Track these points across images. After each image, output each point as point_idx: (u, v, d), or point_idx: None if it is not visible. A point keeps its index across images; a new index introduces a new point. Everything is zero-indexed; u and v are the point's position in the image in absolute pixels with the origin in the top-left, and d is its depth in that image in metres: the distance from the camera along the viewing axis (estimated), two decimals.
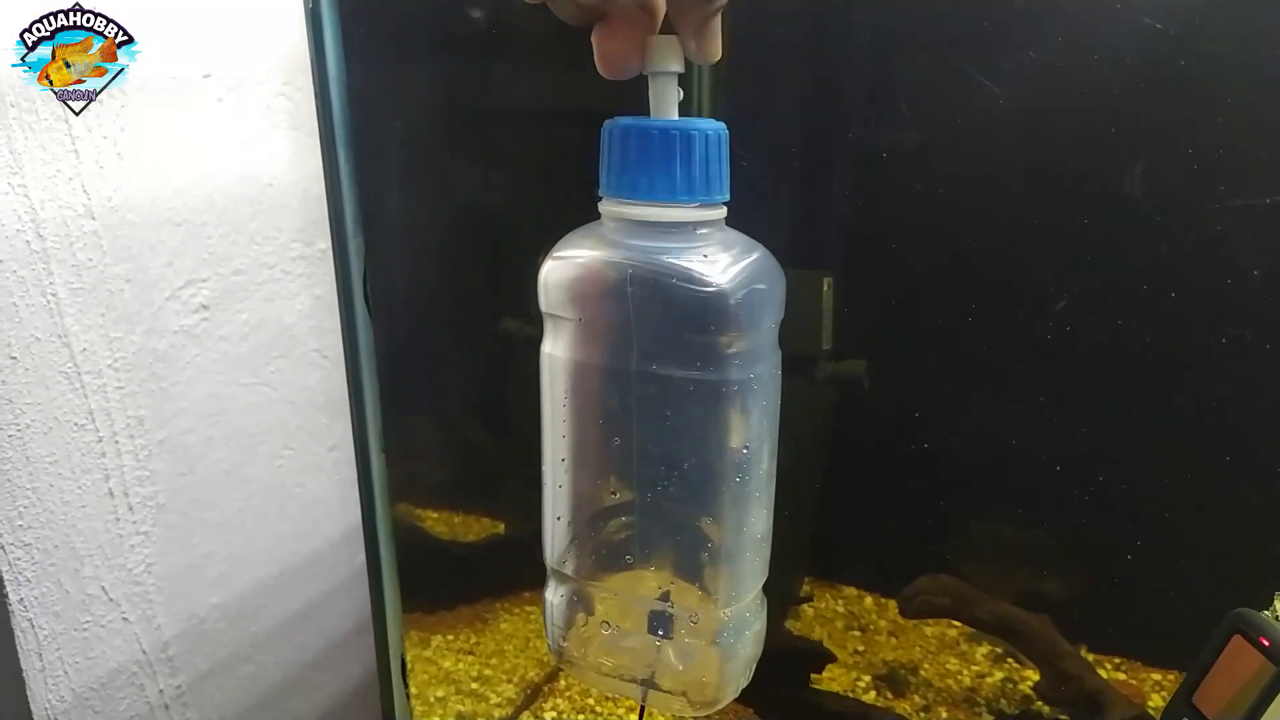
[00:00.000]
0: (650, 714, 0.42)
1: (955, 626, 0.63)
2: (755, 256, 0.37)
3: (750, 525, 0.39)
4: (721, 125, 0.37)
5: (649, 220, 0.36)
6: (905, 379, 0.63)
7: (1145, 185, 0.50)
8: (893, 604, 0.64)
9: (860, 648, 0.63)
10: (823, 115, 0.59)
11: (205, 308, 0.65)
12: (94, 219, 0.58)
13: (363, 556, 0.77)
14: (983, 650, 0.62)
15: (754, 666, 0.41)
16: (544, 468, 0.41)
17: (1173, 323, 0.53)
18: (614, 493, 0.39)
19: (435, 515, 0.69)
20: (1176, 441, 0.55)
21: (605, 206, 0.38)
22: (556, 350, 0.39)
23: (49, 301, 0.57)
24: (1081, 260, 0.54)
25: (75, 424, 0.59)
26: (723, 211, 0.38)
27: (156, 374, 0.63)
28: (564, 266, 0.38)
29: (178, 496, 0.65)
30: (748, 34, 0.43)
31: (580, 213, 0.41)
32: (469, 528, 0.69)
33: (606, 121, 0.37)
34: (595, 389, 0.38)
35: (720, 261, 0.36)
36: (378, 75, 0.55)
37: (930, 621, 0.63)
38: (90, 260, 0.58)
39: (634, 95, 0.41)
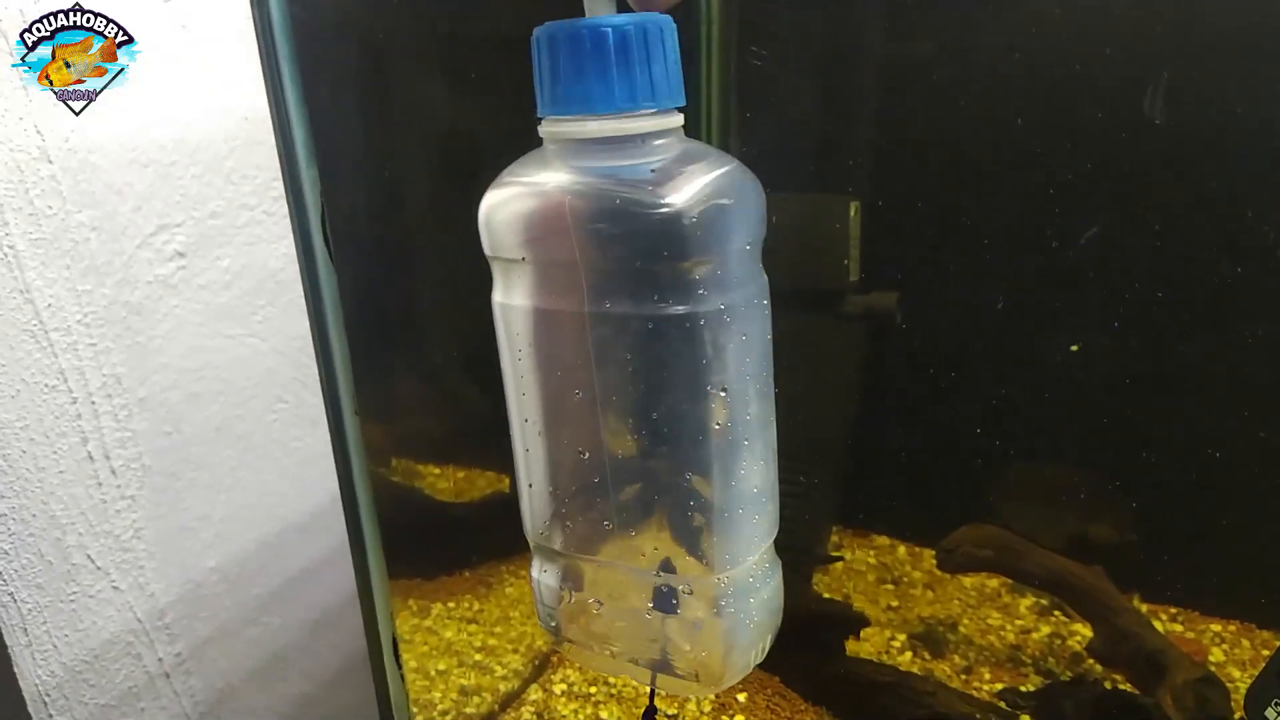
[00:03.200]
0: (658, 693, 0.38)
1: (995, 577, 0.58)
2: (722, 170, 0.32)
3: (741, 478, 0.34)
4: (667, 19, 0.31)
5: (592, 138, 0.31)
6: (940, 312, 0.57)
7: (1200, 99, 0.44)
8: (927, 554, 0.60)
9: (894, 603, 0.59)
10: (847, 16, 0.53)
11: (181, 255, 0.61)
12: (50, 162, 0.53)
13: None
14: (1026, 603, 0.57)
15: (770, 637, 0.37)
16: (511, 432, 0.36)
17: (1235, 246, 0.47)
18: (583, 453, 0.34)
19: (431, 472, 0.64)
20: (1236, 373, 0.50)
21: (545, 128, 0.32)
22: (508, 298, 0.34)
23: (5, 255, 0.52)
24: (1136, 178, 0.48)
25: (46, 385, 0.55)
26: (678, 120, 0.33)
27: (132, 328, 0.59)
28: (502, 199, 0.33)
29: (164, 457, 0.62)
30: None
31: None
32: (468, 485, 0.65)
33: (536, 28, 0.32)
34: (550, 338, 0.33)
35: (675, 177, 0.31)
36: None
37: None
38: (50, 208, 0.54)
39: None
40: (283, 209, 0.66)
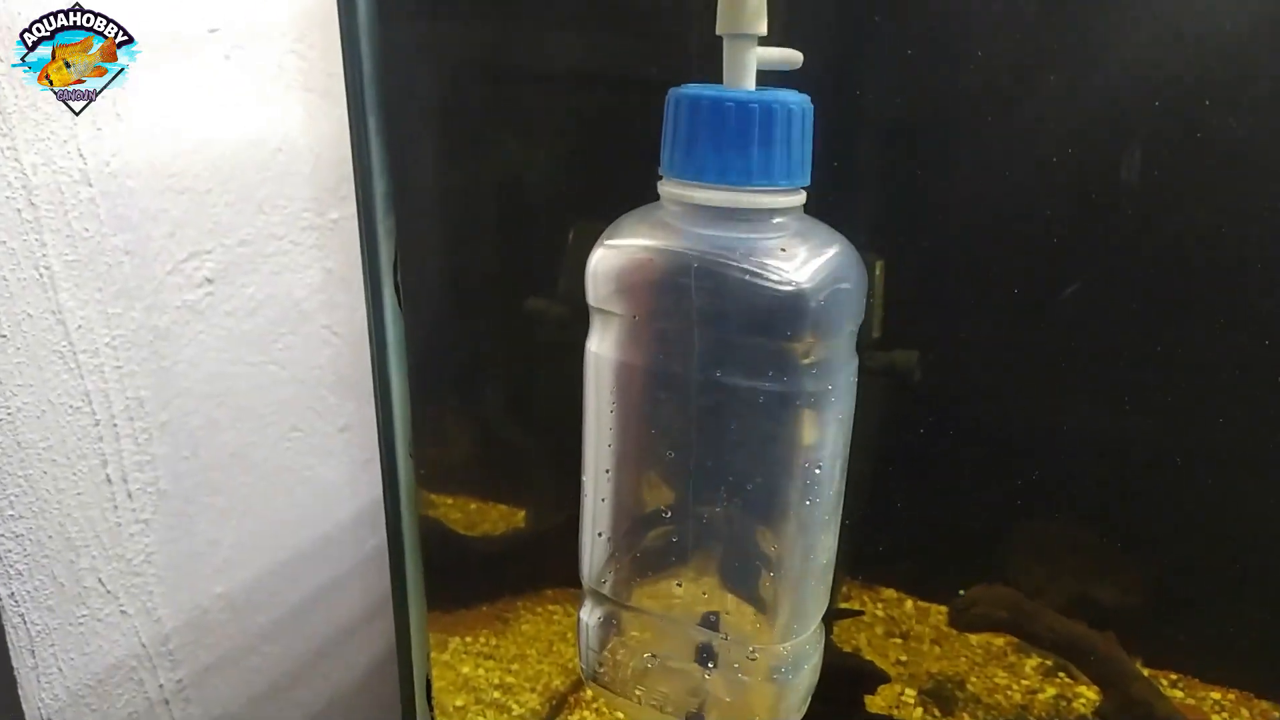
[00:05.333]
0: None
1: (1001, 635, 0.59)
2: (837, 249, 0.33)
3: (818, 553, 0.35)
4: (805, 99, 0.33)
5: (718, 206, 0.32)
6: (957, 370, 0.59)
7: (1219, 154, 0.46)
8: (935, 609, 0.61)
9: (903, 657, 0.59)
10: (867, 84, 0.55)
11: (210, 281, 0.61)
12: (91, 185, 0.54)
13: (373, 541, 0.74)
14: (1032, 663, 0.58)
15: (809, 699, 0.38)
16: (584, 477, 0.37)
17: (1254, 313, 0.48)
18: (665, 512, 0.35)
19: (456, 506, 0.65)
20: (1245, 442, 0.51)
21: (667, 188, 0.33)
22: (604, 349, 0.35)
23: (42, 275, 0.52)
24: (1151, 244, 0.49)
25: (71, 406, 0.55)
26: (802, 198, 0.34)
27: (158, 352, 0.59)
28: (617, 255, 0.34)
29: (180, 482, 0.61)
30: None
31: (630, 192, 0.37)
32: (486, 518, 0.65)
33: (673, 90, 0.33)
34: (648, 395, 0.34)
35: (799, 256, 0.32)
36: (409, 33, 0.50)
37: None
38: (87, 230, 0.54)
39: (698, 61, 0.37)
40: (310, 239, 0.67)
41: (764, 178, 0.31)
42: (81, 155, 0.53)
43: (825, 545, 0.35)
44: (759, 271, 0.31)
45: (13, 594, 0.54)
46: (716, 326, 0.31)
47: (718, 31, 0.32)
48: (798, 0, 0.48)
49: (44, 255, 0.52)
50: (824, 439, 0.32)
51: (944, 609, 0.60)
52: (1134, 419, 0.53)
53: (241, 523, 0.66)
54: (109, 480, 0.57)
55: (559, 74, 0.53)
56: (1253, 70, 0.44)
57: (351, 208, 0.59)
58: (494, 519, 0.65)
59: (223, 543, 0.65)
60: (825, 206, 0.36)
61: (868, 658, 0.59)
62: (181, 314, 0.60)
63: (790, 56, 0.33)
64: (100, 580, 0.58)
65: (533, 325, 0.59)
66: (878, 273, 0.60)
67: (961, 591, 0.59)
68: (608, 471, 0.35)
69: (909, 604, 0.62)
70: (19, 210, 0.51)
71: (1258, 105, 0.44)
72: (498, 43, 0.53)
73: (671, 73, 0.38)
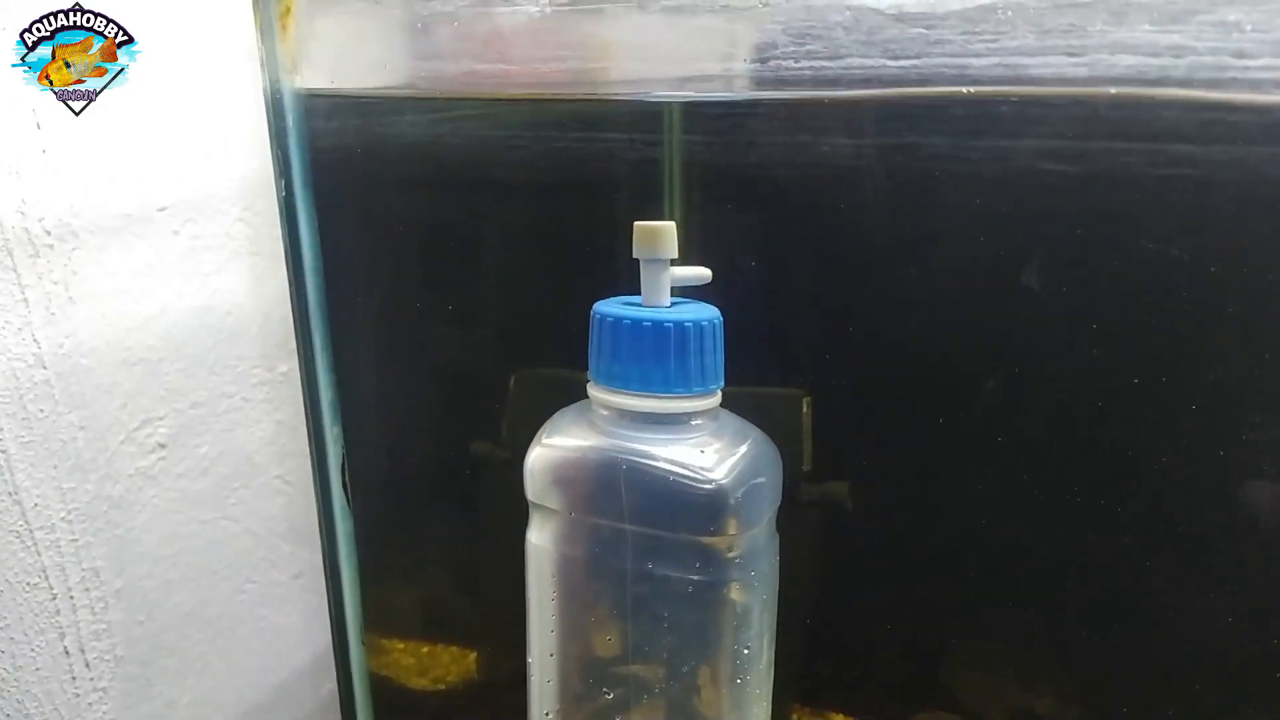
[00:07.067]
0: None
1: None
2: (750, 443, 0.36)
3: (751, 718, 0.37)
4: (715, 313, 0.36)
5: (642, 411, 0.35)
6: (889, 498, 0.61)
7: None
8: None
9: None
10: (797, 229, 0.58)
11: (162, 446, 0.63)
12: (45, 368, 0.56)
13: (329, 685, 0.74)
14: None
15: None
16: (529, 659, 0.39)
17: (1183, 419, 0.49)
18: (608, 692, 0.37)
19: (395, 647, 0.66)
20: (1194, 546, 0.52)
21: (595, 393, 0.37)
22: (543, 541, 0.37)
23: None
24: (1079, 360, 0.51)
25: (28, 584, 0.56)
26: (718, 399, 0.37)
27: (112, 521, 0.60)
28: (552, 455, 0.37)
29: (136, 646, 0.62)
30: None
31: (560, 377, 0.40)
32: (438, 662, 0.66)
33: (595, 306, 0.36)
34: (586, 583, 0.37)
35: (717, 454, 0.35)
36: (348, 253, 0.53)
37: None
38: (41, 411, 0.56)
39: (620, 267, 0.40)
40: (261, 394, 0.69)
41: (681, 385, 0.34)
42: (36, 340, 0.55)
43: (759, 711, 0.37)
44: (681, 472, 0.34)
45: None
46: (646, 522, 0.34)
47: (634, 255, 0.35)
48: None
49: (0, 440, 0.54)
50: (750, 620, 0.35)
51: None
52: (1072, 529, 0.54)
53: (199, 681, 0.67)
54: (66, 652, 0.58)
55: (488, 266, 0.56)
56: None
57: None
58: (444, 663, 0.66)
59: (179, 703, 0.66)
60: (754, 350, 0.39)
61: None
62: (135, 481, 0.61)
63: (700, 274, 0.36)
64: None
65: (477, 469, 0.61)
66: (805, 409, 0.63)
67: None
68: (551, 654, 0.37)
69: None
70: None
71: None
72: (425, 246, 0.56)
73: (603, 241, 0.41)
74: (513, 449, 0.58)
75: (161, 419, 0.62)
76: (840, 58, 0.37)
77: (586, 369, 0.38)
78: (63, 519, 0.57)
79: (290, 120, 0.45)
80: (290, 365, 0.71)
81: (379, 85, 0.47)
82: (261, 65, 0.47)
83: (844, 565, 0.63)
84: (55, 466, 0.57)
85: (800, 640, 0.65)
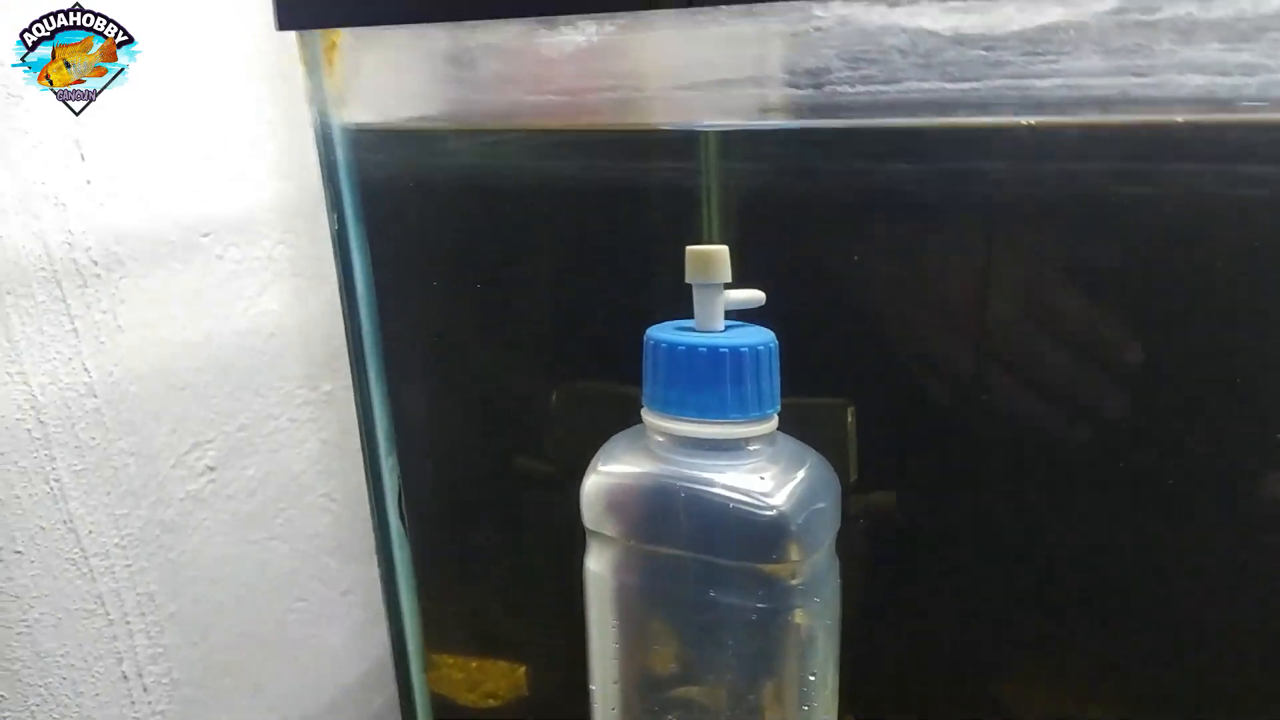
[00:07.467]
0: None
1: None
2: (808, 467, 0.36)
3: None
4: (770, 336, 0.36)
5: (698, 437, 0.35)
6: (936, 507, 0.61)
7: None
8: None
9: None
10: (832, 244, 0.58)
11: (211, 469, 0.63)
12: (96, 396, 0.56)
13: (380, 700, 0.75)
14: None
15: None
16: (592, 685, 0.39)
17: (1250, 436, 0.49)
18: (671, 719, 0.37)
19: (445, 662, 0.66)
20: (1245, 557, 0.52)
21: (650, 419, 0.36)
22: (601, 569, 0.37)
23: (52, 488, 0.54)
24: (1135, 375, 0.50)
25: (85, 611, 0.56)
26: (775, 423, 0.37)
27: (165, 545, 0.61)
28: (608, 483, 0.36)
29: (191, 669, 0.63)
30: None
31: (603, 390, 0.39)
32: (488, 675, 0.66)
33: (649, 331, 0.36)
34: (647, 611, 0.37)
35: (776, 481, 0.34)
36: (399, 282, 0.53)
37: None
38: (93, 439, 0.56)
39: (667, 293, 0.40)
40: (306, 414, 0.69)
41: (738, 411, 0.34)
42: (86, 369, 0.56)
43: None
44: (740, 499, 0.33)
45: None
46: (705, 549, 0.34)
47: (687, 280, 0.35)
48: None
49: (53, 468, 0.54)
50: (816, 646, 0.35)
51: None
52: (1132, 547, 0.53)
53: (253, 700, 0.67)
54: (124, 677, 0.59)
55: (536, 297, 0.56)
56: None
57: (343, 379, 0.62)
58: (494, 677, 0.66)
59: None
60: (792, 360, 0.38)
61: None
62: (186, 505, 0.62)
63: (754, 296, 0.36)
64: None
65: (523, 484, 0.61)
66: (849, 419, 0.63)
67: None
68: (615, 682, 0.37)
69: None
70: (29, 430, 0.53)
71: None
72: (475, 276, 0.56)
73: (635, 291, 0.41)
74: (559, 464, 0.58)
75: (210, 442, 0.63)
76: (897, 81, 0.36)
77: (625, 382, 0.38)
78: (117, 545, 0.58)
79: (340, 154, 0.46)
80: (333, 384, 0.71)
81: (425, 115, 0.47)
82: (309, 101, 0.47)
83: (892, 576, 0.63)
84: (108, 493, 0.57)
85: (849, 653, 0.65)
